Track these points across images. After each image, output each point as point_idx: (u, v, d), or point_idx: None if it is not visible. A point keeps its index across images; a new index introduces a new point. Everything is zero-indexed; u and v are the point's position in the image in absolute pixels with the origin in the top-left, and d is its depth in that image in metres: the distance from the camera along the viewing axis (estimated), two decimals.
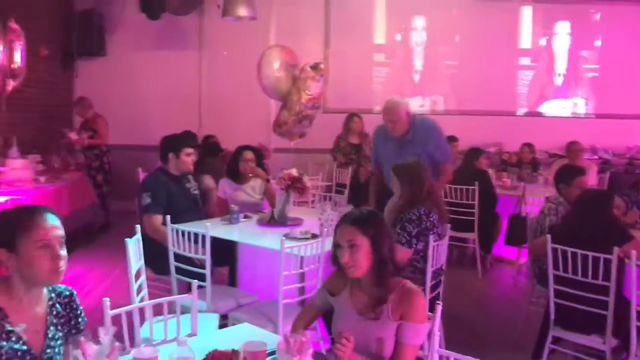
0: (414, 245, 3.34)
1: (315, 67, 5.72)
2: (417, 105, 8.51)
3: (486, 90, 8.55)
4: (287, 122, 6.04)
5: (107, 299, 2.20)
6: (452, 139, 7.05)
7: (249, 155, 4.69)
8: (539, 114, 8.80)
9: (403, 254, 3.23)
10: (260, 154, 4.95)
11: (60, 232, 1.80)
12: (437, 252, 3.44)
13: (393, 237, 2.29)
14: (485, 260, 5.94)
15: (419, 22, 8.65)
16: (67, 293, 1.90)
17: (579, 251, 3.19)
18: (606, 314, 3.15)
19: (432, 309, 2.23)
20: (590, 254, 3.15)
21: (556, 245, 3.30)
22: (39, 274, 1.75)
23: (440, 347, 3.52)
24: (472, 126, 8.24)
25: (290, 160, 7.47)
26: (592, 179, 6.61)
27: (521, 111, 8.80)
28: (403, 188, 3.49)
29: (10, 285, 1.77)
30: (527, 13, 8.67)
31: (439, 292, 3.60)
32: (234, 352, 1.78)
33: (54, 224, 1.79)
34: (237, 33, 7.99)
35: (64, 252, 1.79)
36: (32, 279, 1.77)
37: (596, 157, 8.40)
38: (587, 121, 8.80)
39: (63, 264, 1.78)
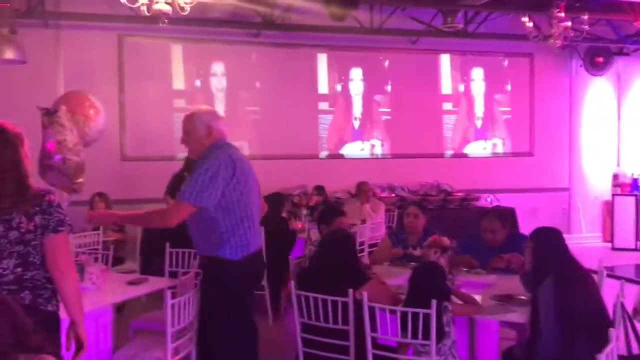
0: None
1: (48, 114, 5.24)
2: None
3: (288, 134, 8.70)
4: None
5: None
6: None
7: None
8: (340, 156, 9.10)
9: None
10: None
11: None
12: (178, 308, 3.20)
13: None
14: (277, 305, 5.83)
15: (218, 67, 8.61)
16: None
17: (319, 296, 3.14)
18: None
19: None
20: (329, 298, 3.11)
21: (299, 292, 3.23)
22: None
23: None
24: (275, 169, 8.32)
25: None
26: (379, 217, 6.87)
27: (323, 154, 9.03)
28: None
29: None
30: (322, 60, 9.00)
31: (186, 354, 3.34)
32: None
33: None
34: (20, 77, 7.35)
35: None
36: None
37: (393, 194, 8.83)
38: (384, 161, 9.28)
39: None
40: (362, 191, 6.98)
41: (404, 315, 2.91)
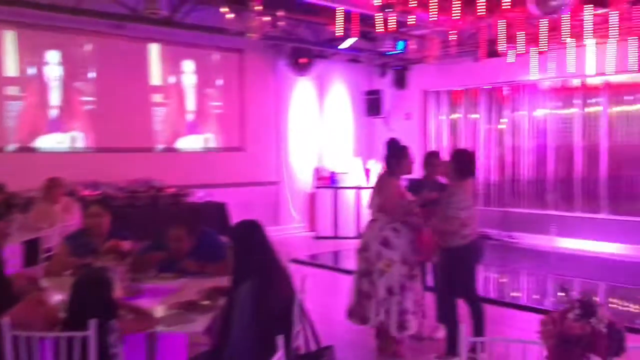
0: None
1: None
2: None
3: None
4: None
5: None
6: None
7: None
8: (31, 150, 7.97)
9: None
10: None
11: None
12: None
13: None
14: None
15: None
16: None
17: None
18: None
19: None
20: None
21: None
22: None
23: None
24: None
25: None
26: (73, 218, 6.11)
27: (11, 147, 7.81)
28: None
29: None
30: (9, 38, 7.78)
31: None
32: None
33: None
34: None
35: None
36: None
37: (98, 192, 8.06)
38: (87, 155, 8.44)
39: None
40: (50, 189, 6.12)
41: (60, 340, 2.44)
